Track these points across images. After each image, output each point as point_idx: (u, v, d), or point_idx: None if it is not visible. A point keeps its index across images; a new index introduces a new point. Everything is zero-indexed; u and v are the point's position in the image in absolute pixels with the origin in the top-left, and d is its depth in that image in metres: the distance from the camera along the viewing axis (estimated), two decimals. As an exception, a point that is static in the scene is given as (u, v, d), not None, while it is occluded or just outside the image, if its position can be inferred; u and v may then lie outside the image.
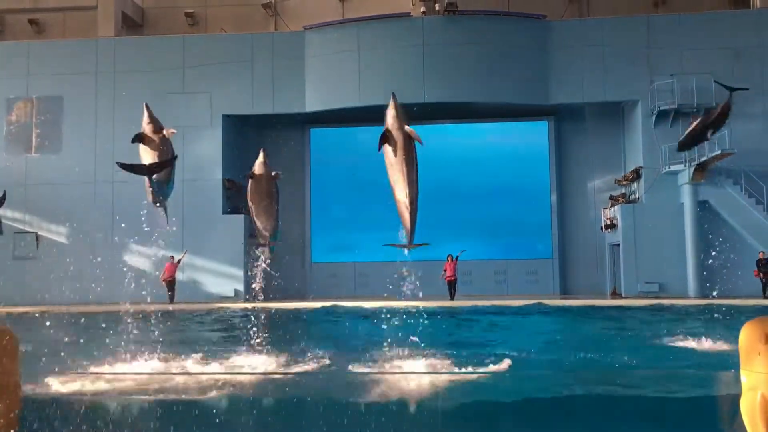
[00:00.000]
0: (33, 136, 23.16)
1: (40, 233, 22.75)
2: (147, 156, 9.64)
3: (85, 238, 21.77)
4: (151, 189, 9.62)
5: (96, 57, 23.19)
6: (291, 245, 22.14)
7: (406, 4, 23.65)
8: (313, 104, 22.45)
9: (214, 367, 8.69)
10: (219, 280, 22.07)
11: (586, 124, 23.58)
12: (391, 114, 9.00)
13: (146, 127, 9.72)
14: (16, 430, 1.53)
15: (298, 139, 24.33)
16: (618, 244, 21.89)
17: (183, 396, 6.28)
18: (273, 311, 17.06)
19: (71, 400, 5.92)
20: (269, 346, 9.53)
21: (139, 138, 9.65)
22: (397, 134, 8.87)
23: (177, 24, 25.85)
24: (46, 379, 6.60)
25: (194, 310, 18.77)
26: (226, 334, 13.65)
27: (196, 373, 7.99)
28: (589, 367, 8.70)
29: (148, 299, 14.26)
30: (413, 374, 7.31)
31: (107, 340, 9.81)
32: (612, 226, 22.16)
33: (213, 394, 6.28)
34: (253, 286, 16.84)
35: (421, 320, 10.19)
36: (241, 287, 21.89)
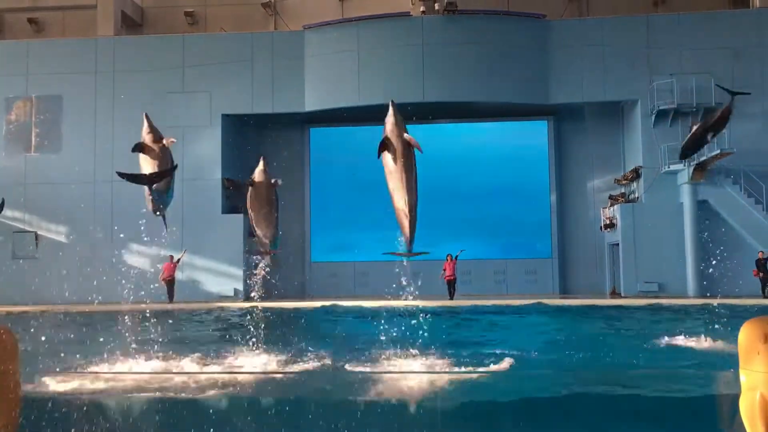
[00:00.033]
0: (32, 135, 23.14)
1: (39, 233, 22.75)
2: (147, 165, 9.72)
3: (85, 237, 21.79)
4: (151, 197, 9.69)
5: (95, 56, 23.19)
6: (291, 245, 22.13)
7: (405, 3, 23.64)
8: (312, 104, 22.45)
9: (213, 366, 8.69)
10: (218, 279, 22.07)
11: (586, 124, 23.58)
12: (390, 121, 8.97)
13: (146, 137, 9.81)
14: (16, 429, 1.54)
15: (298, 139, 24.34)
16: (617, 244, 21.89)
17: (182, 395, 6.29)
18: (272, 311, 17.06)
19: (71, 400, 5.92)
20: (268, 346, 9.53)
21: (139, 147, 9.70)
22: (396, 142, 8.84)
23: (176, 23, 25.84)
24: (45, 379, 6.60)
25: (194, 310, 18.76)
26: (226, 333, 13.64)
27: (195, 372, 7.99)
28: (588, 366, 8.70)
29: (148, 299, 14.25)
30: (413, 373, 7.31)
31: (106, 340, 9.81)
32: (611, 225, 22.17)
33: (212, 393, 6.28)
34: (252, 294, 16.88)
35: (421, 320, 10.18)
36: (240, 286, 21.89)
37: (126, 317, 10.13)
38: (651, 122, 21.63)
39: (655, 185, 21.43)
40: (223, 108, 22.66)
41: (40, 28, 26.50)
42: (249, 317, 11.78)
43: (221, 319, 17.11)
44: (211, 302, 20.50)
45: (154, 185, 9.66)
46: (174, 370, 8.21)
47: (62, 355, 8.49)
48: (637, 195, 22.23)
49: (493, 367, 8.00)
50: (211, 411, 5.91)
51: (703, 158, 19.87)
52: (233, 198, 22.80)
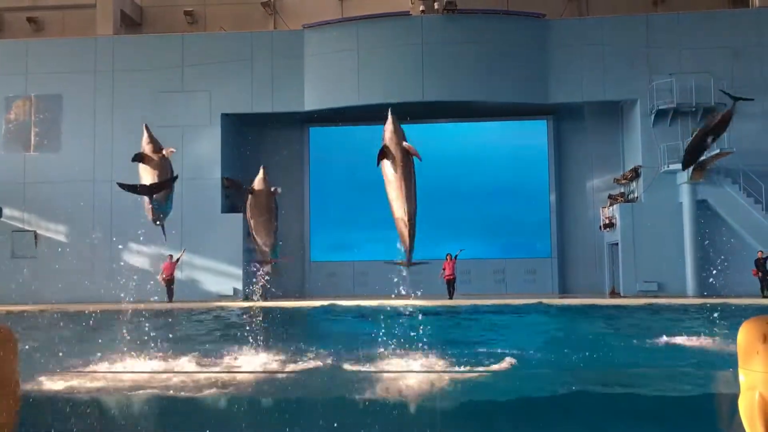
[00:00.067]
0: (32, 134, 23.13)
1: (38, 232, 22.73)
2: (147, 175, 9.76)
3: (84, 237, 21.79)
4: (151, 207, 9.74)
5: (95, 55, 23.17)
6: (290, 244, 22.13)
7: (405, 3, 23.65)
8: (312, 103, 22.45)
9: (213, 365, 8.69)
10: (218, 278, 22.07)
11: (585, 123, 23.58)
12: (389, 129, 8.91)
13: (146, 147, 9.87)
14: (15, 429, 1.54)
15: (297, 138, 24.34)
16: (617, 243, 21.90)
17: (181, 394, 6.29)
18: (272, 310, 17.06)
19: (70, 399, 5.92)
20: (268, 345, 9.53)
21: (139, 158, 9.73)
22: (395, 150, 8.80)
23: (176, 22, 25.83)
24: (45, 378, 6.60)
25: (193, 309, 18.76)
26: (225, 332, 13.64)
27: (195, 371, 7.99)
28: (588, 366, 8.70)
29: (147, 298, 14.26)
30: (413, 373, 7.32)
31: (105, 339, 9.81)
32: (611, 225, 22.17)
33: (211, 392, 6.28)
34: (254, 298, 16.89)
35: (420, 319, 10.19)
36: (239, 286, 21.89)
37: (125, 317, 10.14)
38: (650, 122, 21.63)
39: (654, 185, 21.44)
40: (222, 107, 22.66)
41: (40, 27, 26.49)
42: (248, 317, 11.79)
43: (220, 318, 17.11)
44: (210, 302, 20.50)
45: (154, 195, 9.71)
46: (173, 370, 8.21)
47: (61, 354, 8.49)
48: (636, 194, 22.23)
49: (493, 367, 8.01)
50: (210, 410, 5.91)
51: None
52: (232, 197, 22.80)
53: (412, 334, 9.23)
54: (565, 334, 13.44)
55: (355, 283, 23.25)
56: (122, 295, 12.44)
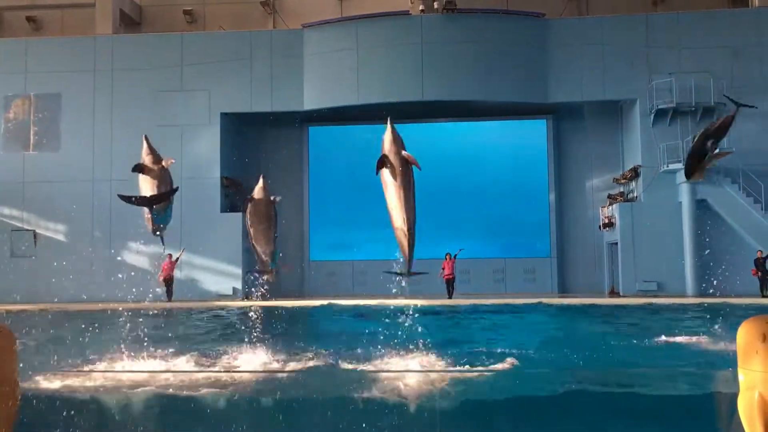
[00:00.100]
0: (31, 133, 23.12)
1: (38, 231, 22.72)
2: (147, 186, 9.75)
3: (83, 236, 21.79)
4: (150, 217, 9.73)
5: (94, 55, 23.16)
6: (290, 244, 22.14)
7: (404, 2, 23.63)
8: (311, 102, 22.44)
9: (212, 365, 8.69)
10: (217, 278, 22.06)
11: (585, 123, 23.60)
12: (387, 138, 8.84)
13: (146, 158, 9.86)
14: (15, 428, 1.54)
15: (297, 137, 24.33)
16: (616, 243, 21.90)
17: (180, 394, 6.28)
18: (271, 310, 17.06)
19: (69, 398, 5.92)
20: (267, 344, 9.53)
21: (139, 168, 9.73)
22: (394, 159, 8.76)
23: (175, 22, 25.81)
24: (44, 377, 6.60)
25: (192, 308, 18.77)
26: (224, 331, 13.64)
27: (194, 371, 7.99)
28: (588, 365, 8.71)
29: (147, 297, 14.25)
30: (413, 373, 7.31)
31: (105, 338, 9.81)
32: (610, 224, 22.18)
33: (210, 391, 6.28)
34: (254, 298, 16.87)
35: (420, 319, 10.18)
36: (239, 285, 21.89)
37: (124, 316, 10.13)
38: (650, 121, 21.63)
39: (653, 184, 21.45)
40: (221, 106, 22.65)
41: (39, 26, 26.47)
42: (247, 316, 11.79)
43: (220, 317, 17.11)
44: (209, 301, 20.50)
45: (154, 206, 9.72)
46: (172, 369, 8.21)
47: (60, 353, 8.49)
48: (635, 194, 22.24)
49: (493, 367, 8.01)
50: (209, 410, 5.91)
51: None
52: (232, 197, 22.80)
53: (411, 332, 9.23)
54: (565, 334, 13.45)
55: (355, 283, 23.25)
56: (121, 294, 12.45)
